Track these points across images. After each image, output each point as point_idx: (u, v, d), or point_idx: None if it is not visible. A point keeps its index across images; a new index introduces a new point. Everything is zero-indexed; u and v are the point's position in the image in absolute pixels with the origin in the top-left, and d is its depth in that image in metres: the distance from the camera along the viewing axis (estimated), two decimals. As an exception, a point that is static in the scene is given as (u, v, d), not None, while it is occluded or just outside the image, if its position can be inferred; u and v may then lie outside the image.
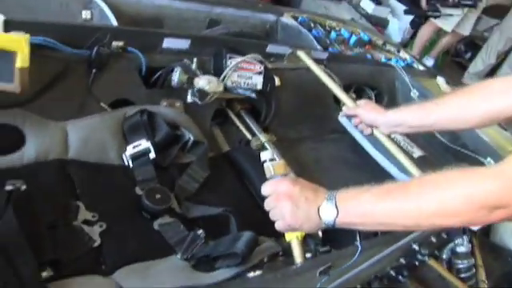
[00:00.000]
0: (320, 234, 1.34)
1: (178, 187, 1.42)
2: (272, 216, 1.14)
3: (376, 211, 1.01)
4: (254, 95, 1.76)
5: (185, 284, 1.12)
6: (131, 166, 1.40)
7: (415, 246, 1.46)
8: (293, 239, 1.17)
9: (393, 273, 1.57)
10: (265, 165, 1.18)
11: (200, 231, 1.27)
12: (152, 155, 1.42)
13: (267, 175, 1.17)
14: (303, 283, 1.06)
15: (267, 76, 1.79)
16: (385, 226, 1.04)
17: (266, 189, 1.15)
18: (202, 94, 1.59)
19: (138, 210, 1.31)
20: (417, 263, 1.55)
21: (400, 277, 1.60)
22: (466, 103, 1.39)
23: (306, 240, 1.25)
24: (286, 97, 1.99)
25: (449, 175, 0.96)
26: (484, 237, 1.94)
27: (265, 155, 1.19)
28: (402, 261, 1.52)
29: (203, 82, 1.57)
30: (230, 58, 1.68)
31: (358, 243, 1.17)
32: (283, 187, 1.11)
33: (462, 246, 1.66)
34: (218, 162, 1.62)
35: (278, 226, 1.13)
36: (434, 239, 1.56)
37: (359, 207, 1.03)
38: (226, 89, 1.67)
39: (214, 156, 1.63)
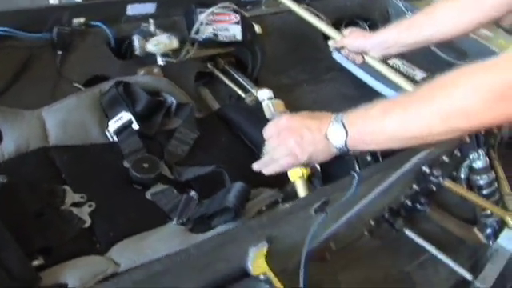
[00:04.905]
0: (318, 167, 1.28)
1: (167, 153, 1.38)
2: (276, 156, 1.08)
3: (386, 124, 0.96)
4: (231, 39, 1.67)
5: (180, 248, 1.08)
6: (116, 140, 1.36)
7: (426, 169, 1.37)
8: (297, 179, 1.11)
9: (409, 202, 1.49)
10: (263, 103, 1.12)
11: (192, 193, 1.23)
12: (135, 126, 1.37)
13: (267, 114, 1.12)
14: (298, 223, 0.99)
15: (245, 24, 1.71)
16: (397, 140, 0.98)
17: (267, 131, 1.10)
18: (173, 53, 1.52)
19: (129, 183, 1.27)
20: (433, 187, 1.46)
21: (418, 205, 1.52)
22: (457, 14, 1.35)
23: (312, 180, 1.19)
24: (271, 44, 1.90)
25: (455, 73, 0.90)
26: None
27: (263, 94, 1.14)
28: (415, 187, 1.43)
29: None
30: (200, 12, 1.60)
31: (353, 172, 1.08)
32: (282, 122, 1.07)
33: (479, 160, 1.57)
34: (209, 121, 1.56)
35: (287, 163, 1.08)
36: (446, 159, 1.46)
37: (368, 123, 0.99)
38: (203, 45, 1.60)
39: (204, 116, 1.57)
